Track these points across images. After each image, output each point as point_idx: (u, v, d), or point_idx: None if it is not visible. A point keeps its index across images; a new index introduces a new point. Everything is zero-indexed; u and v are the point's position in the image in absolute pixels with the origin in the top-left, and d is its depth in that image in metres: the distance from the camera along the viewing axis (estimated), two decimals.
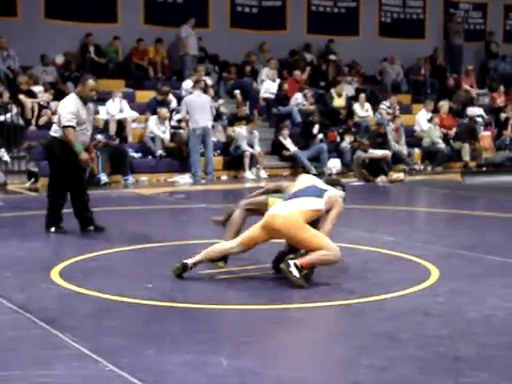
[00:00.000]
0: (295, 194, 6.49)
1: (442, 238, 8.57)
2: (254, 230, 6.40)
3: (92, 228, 8.73)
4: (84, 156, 8.37)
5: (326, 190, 6.53)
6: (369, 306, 5.57)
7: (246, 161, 15.63)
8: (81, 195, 8.70)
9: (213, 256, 6.50)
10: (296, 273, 6.07)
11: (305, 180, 6.81)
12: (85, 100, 8.52)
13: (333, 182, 7.02)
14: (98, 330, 4.90)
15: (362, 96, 18.55)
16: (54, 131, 8.59)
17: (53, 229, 8.60)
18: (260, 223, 6.41)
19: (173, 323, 5.08)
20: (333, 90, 18.44)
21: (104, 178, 14.00)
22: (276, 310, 5.44)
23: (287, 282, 6.10)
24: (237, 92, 17.72)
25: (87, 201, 8.77)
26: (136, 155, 15.25)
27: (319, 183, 6.72)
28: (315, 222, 6.47)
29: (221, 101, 17.56)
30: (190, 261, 6.34)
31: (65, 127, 8.36)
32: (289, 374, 4.14)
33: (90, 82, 8.51)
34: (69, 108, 8.40)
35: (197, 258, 6.39)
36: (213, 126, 15.47)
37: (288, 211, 6.28)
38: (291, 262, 6.11)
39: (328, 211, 6.48)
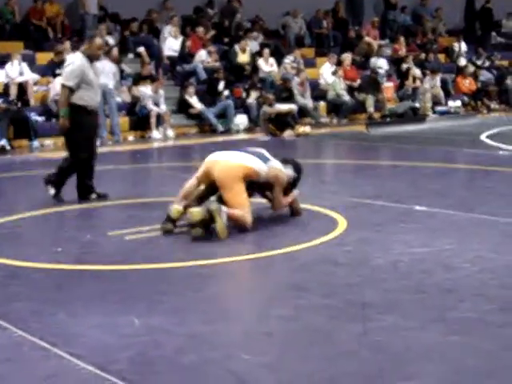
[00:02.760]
0: (244, 149, 6.73)
1: (349, 189, 8.73)
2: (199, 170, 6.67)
3: (94, 196, 8.27)
4: (65, 122, 7.96)
5: (270, 160, 6.73)
6: (278, 258, 5.65)
7: (153, 120, 15.47)
8: (91, 162, 8.34)
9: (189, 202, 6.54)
10: (225, 219, 6.12)
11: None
12: (91, 59, 8.19)
13: (285, 161, 7.16)
14: (6, 297, 4.83)
15: (266, 51, 18.53)
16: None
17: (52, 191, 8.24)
18: (202, 167, 6.62)
19: (84, 286, 5.05)
20: (237, 46, 18.37)
21: (3, 143, 13.56)
22: (187, 268, 5.46)
23: (195, 240, 6.13)
24: (141, 50, 17.45)
25: (93, 168, 8.41)
26: (39, 119, 14.90)
27: (266, 153, 6.92)
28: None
29: (130, 56, 17.37)
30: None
31: (63, 86, 8.03)
32: (201, 329, 4.17)
33: (97, 40, 8.26)
34: (72, 67, 8.04)
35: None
36: (116, 88, 15.22)
37: (230, 161, 6.47)
38: (223, 208, 6.18)
39: (267, 185, 6.69)
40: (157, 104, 15.70)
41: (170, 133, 15.61)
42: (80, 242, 6.29)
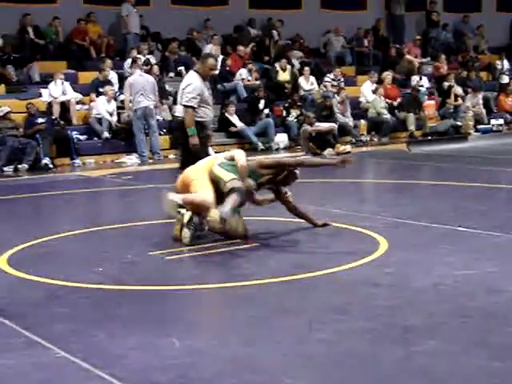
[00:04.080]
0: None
1: (390, 209, 8.66)
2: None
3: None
4: (195, 140, 8.16)
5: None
6: (318, 280, 5.61)
7: None
8: None
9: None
10: (176, 199, 6.66)
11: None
12: (204, 78, 8.37)
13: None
14: (48, 317, 4.86)
15: (307, 69, 18.55)
16: (180, 112, 8.39)
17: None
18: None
19: (123, 307, 5.07)
20: (277, 65, 18.42)
21: (46, 161, 13.73)
22: (226, 289, 5.46)
23: (234, 260, 6.14)
24: (182, 69, 17.58)
25: None
26: (81, 137, 15.07)
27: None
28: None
29: (171, 74, 17.51)
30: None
31: (185, 106, 8.21)
32: (241, 351, 4.16)
33: (211, 60, 8.43)
34: (192, 86, 8.21)
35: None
36: (156, 106, 15.34)
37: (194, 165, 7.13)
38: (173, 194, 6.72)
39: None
40: None
41: (211, 151, 15.64)
42: (120, 261, 6.32)
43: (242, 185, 6.81)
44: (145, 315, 4.83)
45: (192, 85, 8.22)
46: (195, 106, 8.17)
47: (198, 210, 6.73)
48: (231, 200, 6.63)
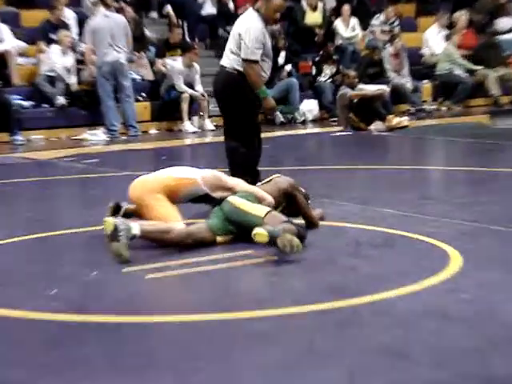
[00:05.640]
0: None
1: (464, 209, 8.66)
2: None
3: None
4: (271, 103, 8.57)
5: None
6: (364, 309, 5.62)
7: (185, 107, 15.59)
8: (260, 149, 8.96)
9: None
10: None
11: None
12: (266, 22, 8.63)
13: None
14: None
15: (346, 8, 18.57)
16: (233, 62, 8.64)
17: None
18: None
19: (88, 346, 5.07)
20: (304, 1, 18.42)
21: None
22: (234, 321, 5.46)
23: (243, 279, 6.17)
24: (169, 8, 17.62)
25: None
26: (25, 104, 15.11)
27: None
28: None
29: (153, 15, 17.58)
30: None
31: (247, 61, 8.46)
32: None
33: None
34: (255, 33, 8.47)
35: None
36: (130, 61, 15.36)
37: (146, 177, 7.63)
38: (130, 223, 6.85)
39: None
40: (190, 84, 15.80)
41: (209, 124, 15.70)
42: (83, 281, 6.33)
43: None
44: (119, 358, 4.84)
45: (253, 30, 8.47)
46: (259, 59, 8.46)
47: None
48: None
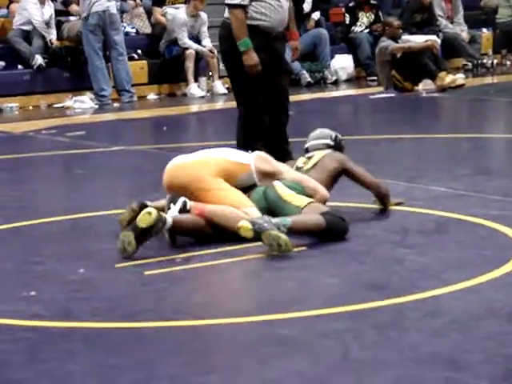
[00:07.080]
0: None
1: None
2: None
3: None
4: (251, 58, 8.40)
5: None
6: (412, 308, 5.64)
7: (190, 66, 15.59)
8: (281, 114, 8.98)
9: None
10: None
11: None
12: None
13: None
14: None
15: None
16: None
17: None
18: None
19: (75, 358, 5.09)
20: None
21: None
22: (251, 326, 5.49)
23: (263, 277, 6.20)
24: None
25: (285, 124, 9.02)
26: None
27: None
28: None
29: None
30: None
31: (229, 6, 8.50)
32: None
33: None
34: None
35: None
36: (123, 11, 15.40)
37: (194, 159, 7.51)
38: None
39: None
40: (196, 38, 15.80)
41: (220, 87, 15.70)
42: (67, 280, 6.36)
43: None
44: (110, 373, 4.85)
45: None
46: (246, 2, 8.36)
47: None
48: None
